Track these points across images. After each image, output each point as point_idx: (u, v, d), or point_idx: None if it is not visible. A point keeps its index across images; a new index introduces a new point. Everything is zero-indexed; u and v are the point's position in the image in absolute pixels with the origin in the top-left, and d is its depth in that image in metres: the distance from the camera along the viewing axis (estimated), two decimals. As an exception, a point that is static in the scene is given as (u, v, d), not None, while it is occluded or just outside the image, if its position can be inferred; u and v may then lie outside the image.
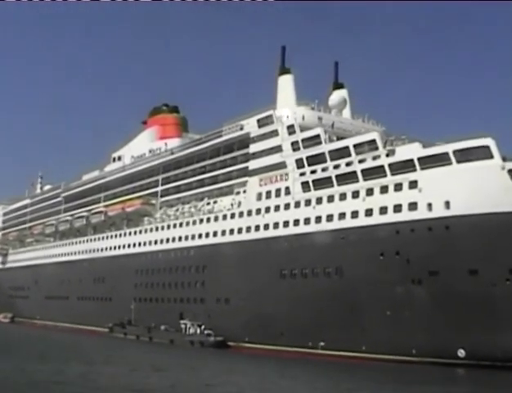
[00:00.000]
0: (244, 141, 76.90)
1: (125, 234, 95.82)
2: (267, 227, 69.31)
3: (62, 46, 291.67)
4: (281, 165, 69.69)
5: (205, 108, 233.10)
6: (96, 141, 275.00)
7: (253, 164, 74.28)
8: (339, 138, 68.19)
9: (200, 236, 79.06)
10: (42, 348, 64.85)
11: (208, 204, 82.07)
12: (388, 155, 59.91)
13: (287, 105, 75.04)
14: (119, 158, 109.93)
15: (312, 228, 63.90)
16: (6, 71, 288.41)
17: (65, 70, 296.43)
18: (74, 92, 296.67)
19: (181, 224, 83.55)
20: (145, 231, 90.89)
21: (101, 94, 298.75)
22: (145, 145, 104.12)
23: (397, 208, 56.95)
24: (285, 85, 77.36)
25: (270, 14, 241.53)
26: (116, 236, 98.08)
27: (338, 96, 79.51)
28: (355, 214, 60.32)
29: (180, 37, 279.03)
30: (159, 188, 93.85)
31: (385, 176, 58.94)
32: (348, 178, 62.06)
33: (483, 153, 53.71)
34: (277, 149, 70.81)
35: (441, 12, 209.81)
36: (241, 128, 78.19)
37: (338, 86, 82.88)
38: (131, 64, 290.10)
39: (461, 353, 52.59)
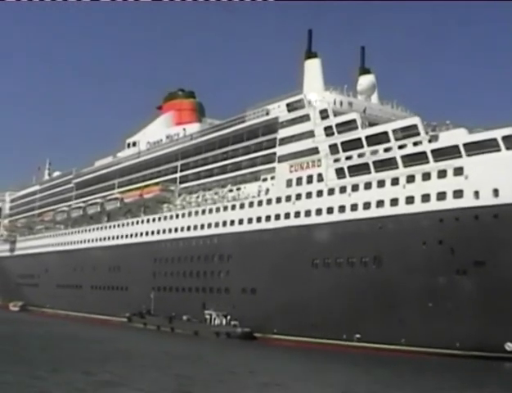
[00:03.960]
0: (271, 126, 74.45)
1: (143, 221, 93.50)
2: (297, 214, 67.02)
3: (76, 39, 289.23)
4: (313, 151, 67.20)
5: (219, 95, 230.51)
6: (103, 129, 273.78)
7: (282, 150, 71.77)
8: (371, 124, 65.86)
9: (225, 223, 76.72)
10: (90, 348, 56.62)
11: (231, 191, 79.70)
12: (430, 141, 57.61)
13: (315, 89, 72.62)
14: (134, 144, 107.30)
15: (348, 215, 61.66)
16: (14, 59, 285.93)
17: (71, 63, 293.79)
18: (79, 82, 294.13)
19: (203, 211, 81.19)
20: (165, 218, 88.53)
21: (107, 83, 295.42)
22: (162, 130, 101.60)
23: (441, 195, 54.73)
24: (313, 69, 74.88)
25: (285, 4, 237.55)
26: (133, 223, 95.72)
27: (366, 80, 76.94)
28: (394, 202, 58.11)
29: (190, 28, 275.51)
30: (178, 175, 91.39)
31: (428, 162, 56.60)
32: (387, 164, 59.72)
33: (534, 139, 51.65)
34: (309, 134, 68.28)
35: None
36: (267, 113, 75.73)
37: (364, 71, 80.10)
38: (144, 53, 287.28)
39: (509, 346, 50.71)
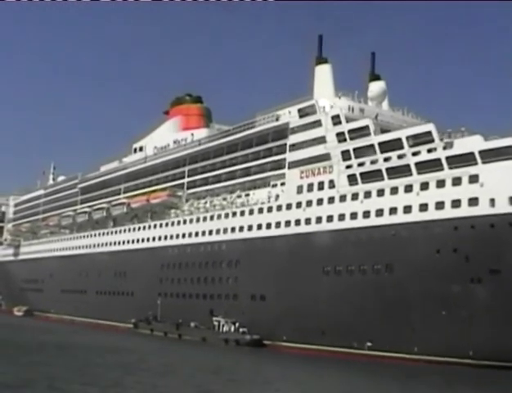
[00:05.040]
0: (281, 132, 73.97)
1: (150, 227, 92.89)
2: (308, 221, 66.44)
3: (77, 46, 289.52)
4: (325, 157, 66.67)
5: (222, 98, 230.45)
6: (108, 133, 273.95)
7: (292, 156, 71.23)
8: (383, 131, 65.44)
9: (233, 229, 76.09)
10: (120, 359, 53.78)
11: (240, 196, 79.12)
12: (445, 148, 57.12)
13: (325, 95, 72.18)
14: (141, 149, 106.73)
15: (360, 222, 61.06)
16: (18, 61, 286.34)
17: (76, 66, 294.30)
18: (84, 86, 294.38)
19: (211, 217, 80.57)
20: (172, 224, 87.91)
21: (112, 86, 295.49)
22: (169, 135, 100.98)
23: (456, 203, 54.16)
24: (323, 75, 74.50)
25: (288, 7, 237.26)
26: (140, 228, 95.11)
27: (377, 87, 76.58)
28: (408, 209, 57.54)
29: (192, 30, 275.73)
30: (186, 180, 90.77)
31: (442, 170, 56.09)
32: (401, 171, 59.18)
33: (551, 146, 51.22)
34: (320, 140, 67.81)
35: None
36: (277, 119, 75.30)
37: (374, 77, 79.61)
38: (148, 56, 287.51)
39: (524, 356, 49.99)
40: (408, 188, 58.15)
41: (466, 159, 54.59)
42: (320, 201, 65.94)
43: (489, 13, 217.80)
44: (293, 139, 71.79)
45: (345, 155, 64.64)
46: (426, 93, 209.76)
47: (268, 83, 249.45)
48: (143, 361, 52.69)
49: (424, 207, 56.40)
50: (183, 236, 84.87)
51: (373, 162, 62.09)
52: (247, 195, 78.12)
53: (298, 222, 67.63)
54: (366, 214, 60.78)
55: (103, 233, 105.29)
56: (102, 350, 60.66)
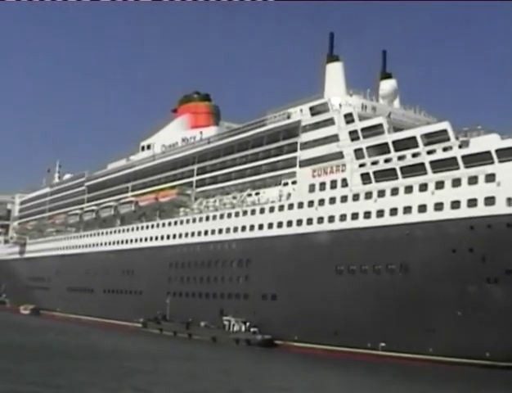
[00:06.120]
0: (292, 130, 73.44)
1: (158, 225, 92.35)
2: (320, 220, 65.86)
3: (80, 46, 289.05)
4: (338, 156, 66.09)
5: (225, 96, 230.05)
6: (114, 132, 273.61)
7: (304, 155, 70.64)
8: (396, 129, 64.83)
9: (244, 228, 75.54)
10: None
11: (250, 195, 78.50)
12: (461, 147, 56.49)
13: (337, 93, 71.56)
14: (149, 147, 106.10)
15: (374, 222, 60.51)
16: (21, 59, 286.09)
17: (81, 64, 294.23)
18: (90, 84, 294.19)
19: (221, 216, 79.99)
20: (181, 222, 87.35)
21: (117, 85, 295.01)
22: (177, 133, 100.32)
23: (472, 202, 53.61)
24: (334, 73, 73.86)
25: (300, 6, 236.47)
26: (148, 227, 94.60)
27: (389, 85, 76.11)
28: (422, 208, 57.00)
29: (195, 30, 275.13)
30: (194, 178, 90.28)
31: (458, 168, 55.53)
32: (415, 170, 58.57)
33: None
34: (333, 138, 67.25)
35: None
36: (288, 117, 74.75)
37: (386, 76, 78.91)
38: (156, 54, 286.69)
39: (541, 357, 49.44)
40: (423, 187, 57.60)
41: (482, 157, 54.01)
42: (332, 200, 65.36)
43: (493, 13, 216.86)
44: (304, 137, 71.23)
45: (358, 153, 64.05)
46: (436, 92, 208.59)
47: (270, 83, 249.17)
48: (166, 364, 50.87)
49: (439, 206, 55.84)
50: (192, 234, 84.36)
51: (387, 161, 61.51)
52: (257, 193, 77.50)
53: (310, 221, 67.07)
54: (380, 214, 60.22)
55: (111, 232, 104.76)
56: (122, 353, 58.63)
